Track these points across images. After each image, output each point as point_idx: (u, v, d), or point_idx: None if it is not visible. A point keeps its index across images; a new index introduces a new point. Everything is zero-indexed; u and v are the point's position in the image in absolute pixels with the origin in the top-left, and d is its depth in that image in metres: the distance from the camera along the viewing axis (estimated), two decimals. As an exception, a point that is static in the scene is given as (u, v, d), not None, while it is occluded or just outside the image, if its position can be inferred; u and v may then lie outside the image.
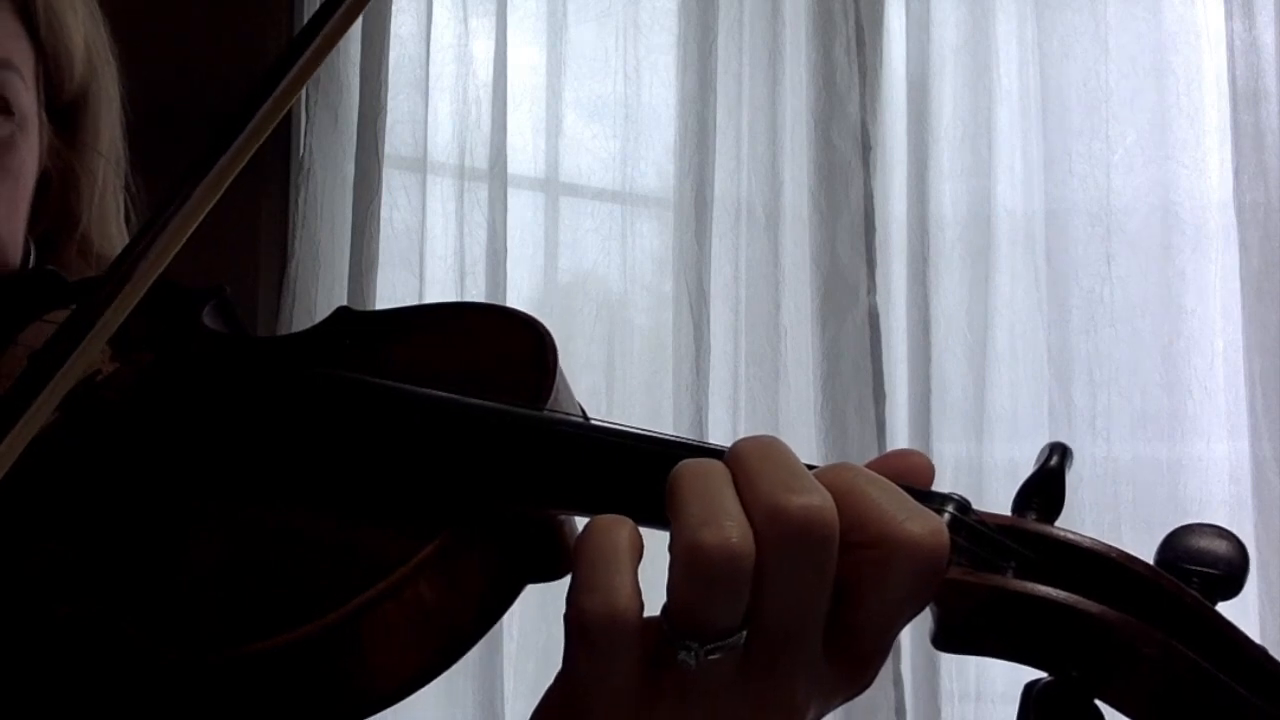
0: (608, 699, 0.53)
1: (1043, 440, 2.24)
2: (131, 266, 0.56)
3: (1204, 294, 2.37)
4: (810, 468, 0.54)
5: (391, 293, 2.23)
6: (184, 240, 0.57)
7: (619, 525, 0.53)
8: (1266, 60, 2.34)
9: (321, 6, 0.61)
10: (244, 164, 0.59)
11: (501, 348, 0.67)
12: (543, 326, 0.66)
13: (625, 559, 0.52)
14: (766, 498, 0.51)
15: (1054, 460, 0.57)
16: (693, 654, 0.51)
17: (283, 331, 2.16)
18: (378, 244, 2.21)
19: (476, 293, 2.26)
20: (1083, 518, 2.25)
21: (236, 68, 2.11)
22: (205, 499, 0.61)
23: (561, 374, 0.64)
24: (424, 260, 2.27)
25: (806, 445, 2.31)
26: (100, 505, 0.62)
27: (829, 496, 0.51)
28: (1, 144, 0.80)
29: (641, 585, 0.53)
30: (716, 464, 0.54)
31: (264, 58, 2.18)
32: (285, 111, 0.60)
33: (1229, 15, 2.36)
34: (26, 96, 0.82)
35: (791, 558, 0.51)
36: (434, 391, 0.61)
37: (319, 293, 2.22)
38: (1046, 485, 0.57)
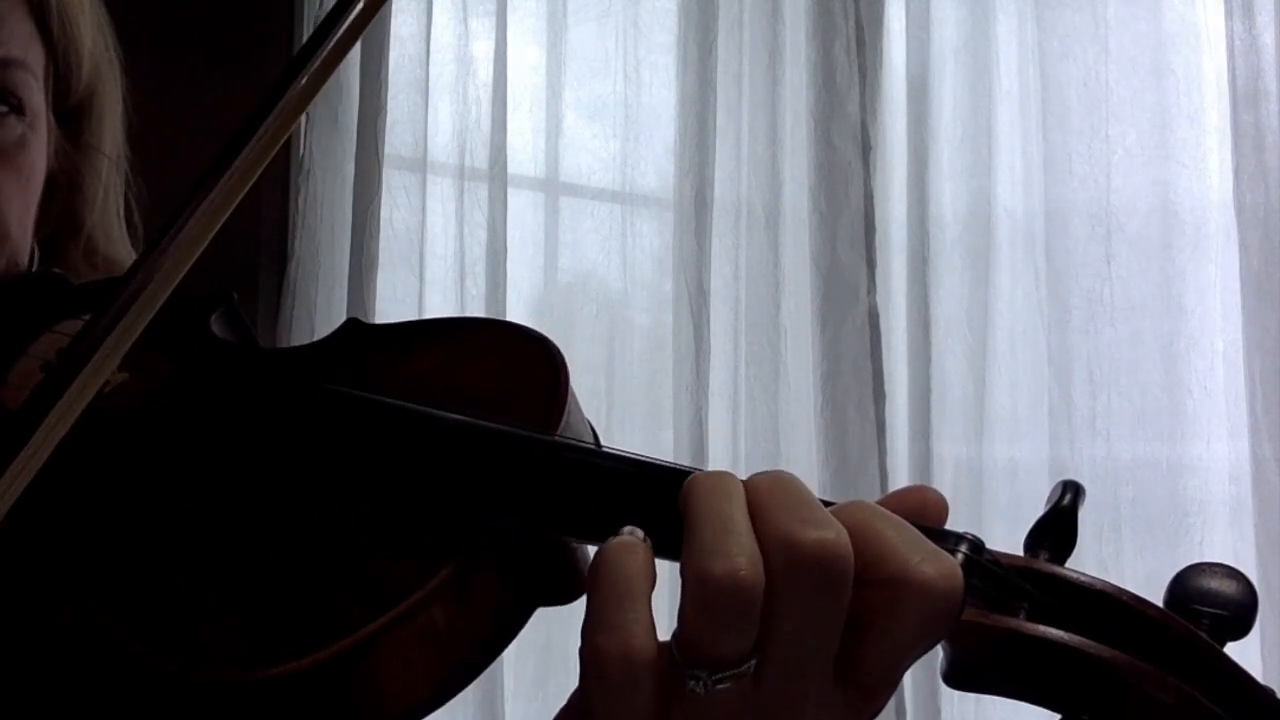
0: None
1: (1043, 440, 2.22)
2: (145, 280, 0.56)
3: (1204, 294, 2.37)
4: (825, 504, 0.54)
5: (391, 293, 2.23)
6: (195, 256, 0.57)
7: (630, 554, 0.53)
8: (1266, 60, 2.33)
9: (329, 14, 0.61)
10: (263, 167, 0.58)
11: (512, 367, 0.67)
12: (553, 345, 0.66)
13: (639, 592, 0.52)
14: (782, 531, 0.51)
15: (1066, 499, 0.58)
16: (701, 683, 0.51)
17: (283, 330, 2.16)
18: (378, 244, 2.20)
19: (476, 293, 2.26)
20: (1083, 518, 2.23)
21: None
22: (216, 518, 0.61)
23: (573, 393, 0.64)
24: (424, 260, 2.27)
25: (806, 445, 2.31)
26: (107, 518, 0.61)
27: (844, 531, 0.51)
28: (15, 143, 0.80)
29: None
30: (729, 478, 0.54)
31: None
32: (298, 118, 0.60)
33: (1229, 15, 2.36)
34: (38, 96, 0.82)
35: (805, 591, 0.50)
36: (449, 414, 0.61)
37: (319, 293, 2.22)
38: (1059, 525, 0.58)
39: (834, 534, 0.51)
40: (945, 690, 2.29)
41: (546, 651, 2.15)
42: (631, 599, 0.51)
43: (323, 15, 0.59)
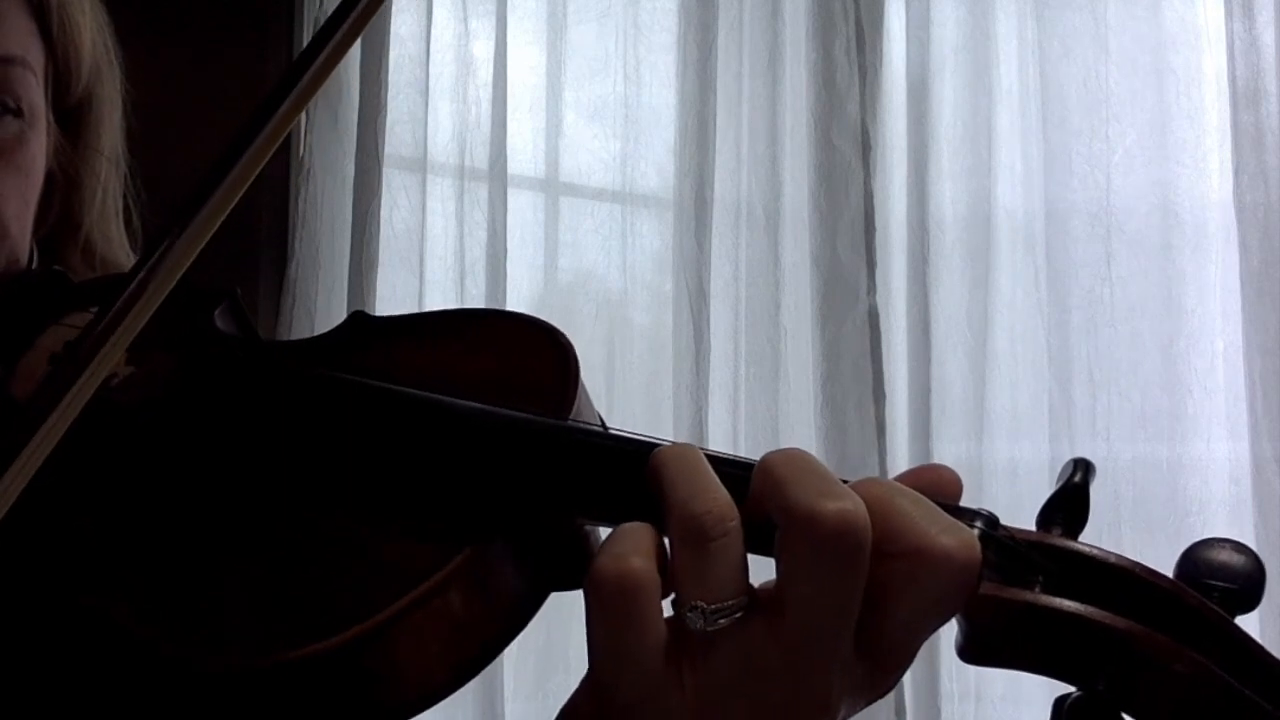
0: (631, 675, 0.53)
1: (1043, 440, 2.21)
2: (152, 271, 0.56)
3: (1204, 294, 2.37)
4: (844, 482, 0.54)
5: (391, 293, 2.23)
6: (198, 251, 0.57)
7: (645, 526, 0.55)
8: (1266, 60, 2.33)
9: (333, 14, 0.61)
10: (264, 163, 0.59)
11: (522, 356, 0.67)
12: (561, 333, 0.67)
13: (645, 538, 0.54)
14: (802, 504, 0.52)
15: (1078, 476, 0.58)
16: (700, 615, 0.52)
17: (283, 330, 2.16)
18: (378, 244, 2.21)
19: (476, 293, 2.26)
20: (1083, 518, 2.25)
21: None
22: (231, 507, 0.61)
23: (582, 381, 0.64)
24: (424, 260, 2.27)
25: (806, 445, 2.30)
26: (121, 509, 0.62)
27: (861, 503, 0.52)
28: (14, 140, 0.80)
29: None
30: (690, 447, 0.56)
31: None
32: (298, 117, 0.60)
33: (1229, 15, 2.36)
34: (38, 95, 0.82)
35: (826, 560, 0.51)
36: (464, 401, 0.62)
37: (319, 293, 2.22)
38: (1071, 501, 0.58)
39: (852, 505, 0.52)
40: (945, 690, 2.29)
41: (547, 651, 2.15)
42: (636, 537, 0.54)
43: (322, 8, 0.60)
